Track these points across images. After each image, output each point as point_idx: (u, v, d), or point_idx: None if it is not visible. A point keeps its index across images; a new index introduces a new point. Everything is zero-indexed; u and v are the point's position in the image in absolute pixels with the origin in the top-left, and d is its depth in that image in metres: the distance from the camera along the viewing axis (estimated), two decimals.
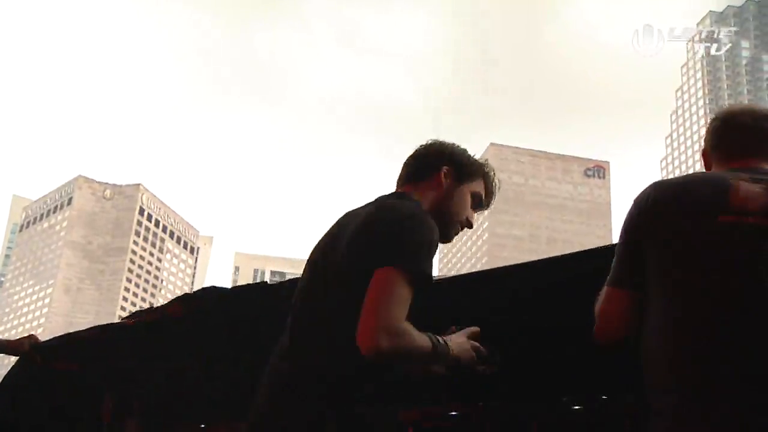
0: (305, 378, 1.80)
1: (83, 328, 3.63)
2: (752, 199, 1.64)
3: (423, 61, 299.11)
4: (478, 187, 2.15)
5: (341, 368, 1.78)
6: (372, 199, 2.09)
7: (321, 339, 1.83)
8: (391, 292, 1.71)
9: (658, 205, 1.72)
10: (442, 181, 2.09)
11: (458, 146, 2.18)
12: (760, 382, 1.52)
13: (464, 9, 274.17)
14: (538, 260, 2.95)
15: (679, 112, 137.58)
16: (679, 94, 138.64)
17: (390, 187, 2.20)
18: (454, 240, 2.20)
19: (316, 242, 2.07)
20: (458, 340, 1.90)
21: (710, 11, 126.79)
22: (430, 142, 2.19)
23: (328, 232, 2.04)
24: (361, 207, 2.06)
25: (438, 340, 1.80)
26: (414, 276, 1.75)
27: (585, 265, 2.26)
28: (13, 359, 3.71)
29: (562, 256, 2.84)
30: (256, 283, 3.17)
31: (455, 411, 3.21)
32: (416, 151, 2.18)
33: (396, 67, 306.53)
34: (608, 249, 1.96)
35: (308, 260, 2.03)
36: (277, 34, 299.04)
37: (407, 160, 2.18)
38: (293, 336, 1.91)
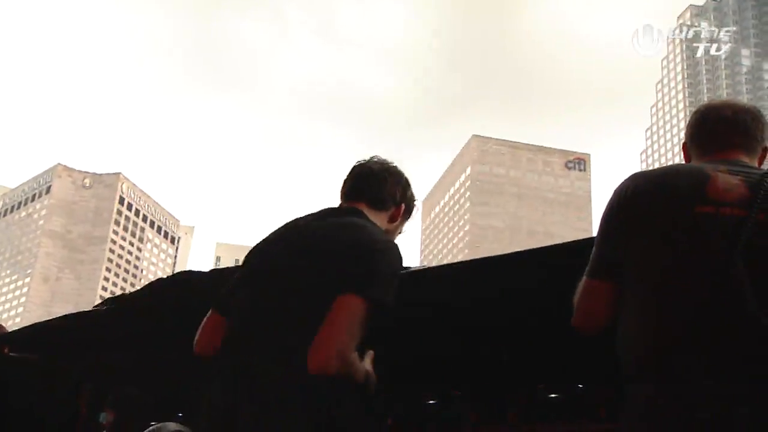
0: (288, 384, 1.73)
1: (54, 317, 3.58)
2: (729, 190, 1.65)
3: (401, 52, 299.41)
4: (406, 223, 2.20)
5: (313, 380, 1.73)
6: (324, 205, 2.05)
7: (288, 350, 1.77)
8: (353, 321, 1.73)
9: (638, 196, 1.73)
10: (397, 219, 2.13)
11: (409, 181, 2.17)
12: (735, 371, 1.53)
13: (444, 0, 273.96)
14: (518, 252, 2.96)
15: (660, 105, 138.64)
16: (659, 87, 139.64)
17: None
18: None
19: (259, 250, 2.03)
20: (368, 368, 1.87)
21: (690, 5, 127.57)
22: (389, 165, 2.14)
23: (275, 242, 2.00)
24: (315, 219, 2.01)
25: (368, 375, 1.83)
26: (377, 307, 1.76)
27: (565, 257, 2.28)
28: None
29: (542, 248, 2.85)
30: (233, 267, 3.12)
31: (433, 400, 3.21)
32: (375, 170, 2.12)
33: (374, 57, 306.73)
34: (588, 241, 1.98)
35: (254, 268, 1.99)
36: (253, 23, 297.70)
37: (362, 173, 2.12)
38: (250, 344, 1.83)
